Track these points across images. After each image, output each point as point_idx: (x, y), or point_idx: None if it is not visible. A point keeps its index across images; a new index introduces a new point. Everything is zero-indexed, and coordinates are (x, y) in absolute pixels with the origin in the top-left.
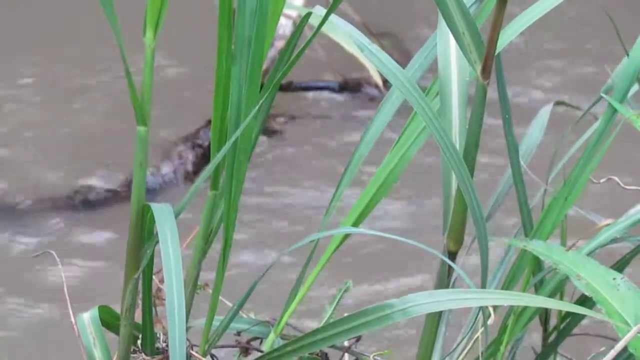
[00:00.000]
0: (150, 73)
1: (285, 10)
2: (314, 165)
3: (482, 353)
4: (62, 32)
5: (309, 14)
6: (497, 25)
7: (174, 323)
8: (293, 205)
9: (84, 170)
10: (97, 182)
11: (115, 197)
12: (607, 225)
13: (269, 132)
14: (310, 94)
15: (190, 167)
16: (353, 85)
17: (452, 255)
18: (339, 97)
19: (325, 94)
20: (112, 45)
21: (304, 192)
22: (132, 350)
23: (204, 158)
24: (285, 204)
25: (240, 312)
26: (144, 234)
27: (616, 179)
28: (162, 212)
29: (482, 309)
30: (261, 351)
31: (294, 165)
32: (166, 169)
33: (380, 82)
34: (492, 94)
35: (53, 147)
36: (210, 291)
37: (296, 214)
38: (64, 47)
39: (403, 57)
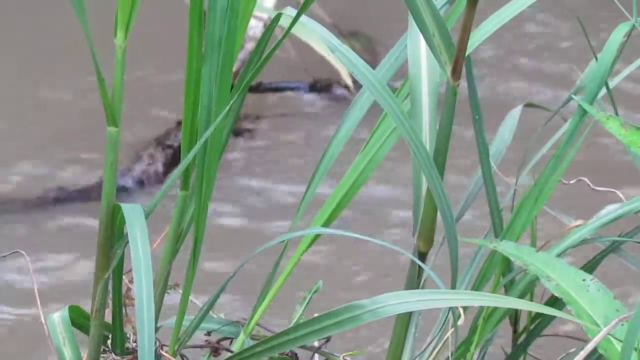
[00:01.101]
0: (121, 74)
1: (256, 12)
2: (285, 166)
3: (451, 353)
4: (34, 31)
5: (279, 15)
6: (467, 27)
7: (143, 323)
8: (265, 205)
9: (55, 169)
10: (69, 181)
11: (86, 196)
12: (578, 226)
13: (240, 132)
14: (281, 95)
15: (160, 168)
16: (323, 86)
17: (422, 256)
18: (309, 98)
19: (295, 94)
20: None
21: (276, 192)
22: (102, 350)
23: (174, 159)
24: (258, 203)
25: (210, 312)
26: (114, 234)
27: (586, 180)
28: (132, 212)
29: (452, 309)
30: (231, 351)
31: (265, 166)
32: (137, 169)
33: (350, 83)
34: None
35: (24, 145)
36: (181, 291)
37: (268, 213)
38: (34, 48)
39: (374, 58)
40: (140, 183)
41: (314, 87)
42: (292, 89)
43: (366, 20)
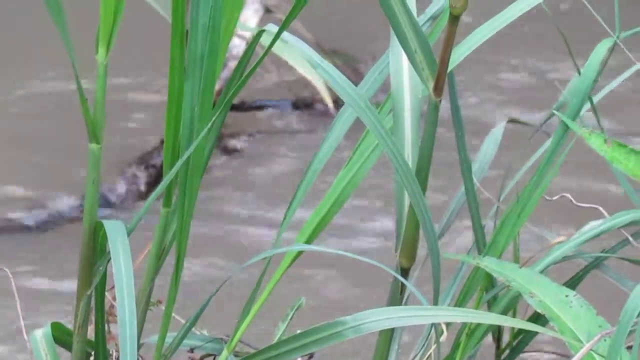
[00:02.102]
0: (103, 90)
1: (239, 31)
2: (268, 183)
3: None
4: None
5: (261, 33)
6: (449, 43)
7: (126, 339)
8: (253, 221)
9: (38, 188)
10: (53, 201)
11: (70, 215)
12: (560, 242)
13: (228, 150)
14: (263, 112)
15: (143, 187)
16: (306, 104)
17: (405, 272)
18: (291, 115)
19: (278, 112)
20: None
21: (262, 208)
22: None
23: (157, 178)
24: (245, 219)
25: (193, 328)
26: (96, 251)
27: (569, 196)
28: (114, 229)
29: (435, 325)
30: None
31: (249, 183)
32: (120, 188)
33: (330, 103)
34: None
35: (7, 163)
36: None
37: (256, 230)
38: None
39: (356, 76)
40: (123, 201)
41: (297, 105)
42: (275, 106)
43: (348, 38)
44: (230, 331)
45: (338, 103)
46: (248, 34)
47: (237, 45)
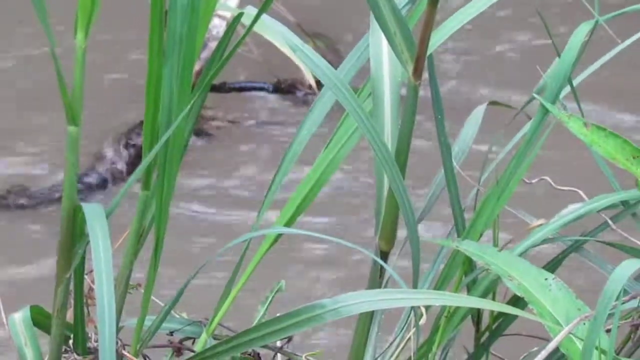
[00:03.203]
0: (81, 73)
1: (220, 12)
2: (249, 165)
3: (414, 353)
4: None
5: (240, 14)
6: (428, 26)
7: (104, 323)
8: (231, 205)
9: (17, 169)
10: (31, 181)
11: (49, 196)
12: (540, 225)
13: (204, 133)
14: (245, 95)
15: (123, 167)
16: (287, 86)
17: (384, 255)
18: (272, 98)
19: (259, 94)
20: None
21: (241, 191)
22: (63, 350)
23: (137, 158)
24: (221, 202)
25: (172, 311)
26: (75, 234)
27: (548, 179)
28: (93, 212)
29: (414, 309)
30: (193, 351)
31: (230, 166)
32: (99, 169)
33: (313, 83)
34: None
35: None
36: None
37: (233, 214)
38: None
39: (337, 58)
40: (104, 182)
41: (278, 87)
42: (256, 88)
43: (331, 20)
44: (209, 315)
45: (320, 84)
46: (229, 15)
47: (218, 26)
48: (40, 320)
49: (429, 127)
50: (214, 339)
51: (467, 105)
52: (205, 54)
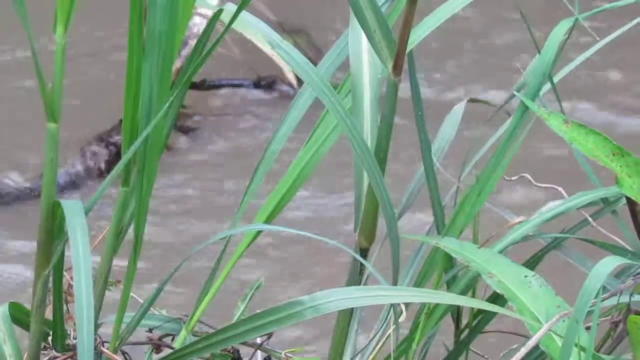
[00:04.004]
0: (61, 69)
1: (201, 9)
2: (229, 162)
3: (393, 350)
4: None
5: (220, 12)
6: (408, 23)
7: (83, 319)
8: (210, 202)
9: None
10: (9, 178)
11: (28, 193)
12: (520, 222)
13: (184, 130)
14: (225, 92)
15: (103, 166)
16: (267, 83)
17: (364, 252)
18: (253, 94)
19: (240, 91)
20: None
21: (220, 188)
22: (42, 346)
23: (117, 156)
24: (203, 199)
25: (152, 308)
26: (54, 231)
27: (528, 176)
28: (72, 209)
29: (394, 306)
30: (173, 348)
31: (210, 162)
32: (79, 167)
33: (294, 80)
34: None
35: None
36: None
37: (213, 210)
38: None
39: (317, 55)
40: (83, 180)
41: (258, 84)
42: (236, 85)
43: (311, 17)
44: (189, 311)
45: (301, 80)
46: (210, 12)
47: (198, 24)
48: (19, 316)
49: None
50: (194, 335)
51: (447, 103)
52: (185, 52)
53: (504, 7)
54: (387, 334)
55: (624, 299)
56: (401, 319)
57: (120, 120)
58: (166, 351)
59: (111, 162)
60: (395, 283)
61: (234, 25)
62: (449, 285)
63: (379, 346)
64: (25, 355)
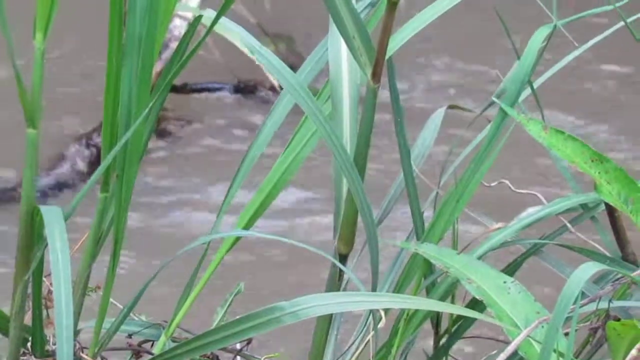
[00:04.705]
0: (40, 75)
1: (181, 12)
2: (209, 167)
3: (373, 356)
4: None
5: (200, 17)
6: (387, 29)
7: (62, 325)
8: (190, 207)
9: None
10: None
11: (9, 197)
12: (499, 228)
13: (165, 134)
14: (205, 96)
15: (84, 168)
16: (248, 87)
17: (343, 258)
18: (233, 99)
19: (220, 95)
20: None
21: (202, 192)
22: (22, 352)
23: (99, 159)
24: (182, 205)
25: (131, 314)
26: (34, 236)
27: (507, 182)
28: (52, 214)
29: (373, 312)
30: (152, 354)
31: (190, 167)
32: (60, 170)
33: (275, 84)
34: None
35: None
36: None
37: (193, 216)
38: None
39: (299, 60)
40: (64, 184)
41: (239, 89)
42: (217, 89)
43: (292, 22)
44: (168, 317)
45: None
46: (190, 15)
47: (179, 26)
48: None
49: None
50: (173, 341)
51: (426, 110)
52: (166, 55)
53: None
54: (367, 339)
55: (603, 305)
56: (380, 324)
57: (101, 123)
58: (146, 357)
59: (92, 165)
60: (374, 289)
61: (216, 29)
62: (429, 291)
63: (358, 352)
64: None
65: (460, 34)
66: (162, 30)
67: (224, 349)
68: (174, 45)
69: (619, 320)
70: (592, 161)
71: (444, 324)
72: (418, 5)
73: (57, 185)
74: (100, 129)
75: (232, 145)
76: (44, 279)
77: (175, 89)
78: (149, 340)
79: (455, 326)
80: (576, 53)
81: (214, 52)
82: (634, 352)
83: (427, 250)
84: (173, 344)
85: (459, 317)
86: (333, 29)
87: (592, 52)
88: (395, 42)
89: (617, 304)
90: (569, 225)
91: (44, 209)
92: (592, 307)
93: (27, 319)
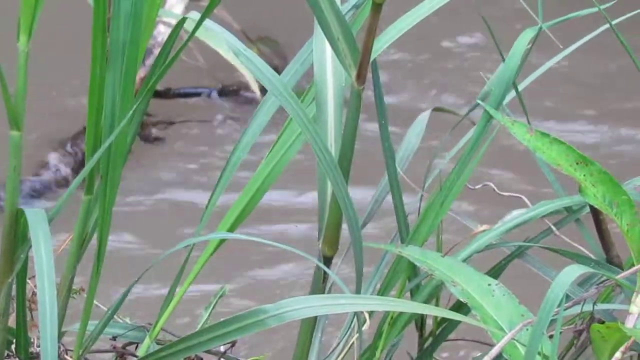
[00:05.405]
0: (24, 77)
1: (165, 18)
2: (193, 171)
3: (357, 358)
4: None
5: (184, 20)
6: (371, 31)
7: (46, 327)
8: (175, 210)
9: None
10: None
11: None
12: (483, 231)
13: (150, 139)
14: (189, 100)
15: (68, 173)
16: (231, 91)
17: (328, 260)
18: (217, 103)
19: (204, 99)
20: None
21: (185, 196)
22: (6, 354)
23: (82, 164)
24: (168, 208)
25: (116, 316)
26: (17, 239)
27: (492, 185)
28: (36, 217)
29: (357, 314)
30: (136, 356)
31: (175, 171)
32: (45, 173)
33: (256, 88)
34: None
35: None
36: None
37: (178, 219)
38: None
39: (283, 63)
40: (49, 187)
41: (223, 93)
42: (200, 94)
43: (276, 25)
44: (153, 319)
45: (264, 89)
46: (174, 21)
47: (163, 32)
48: None
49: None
50: (157, 343)
51: (412, 113)
52: (149, 61)
53: (469, 16)
54: (351, 342)
55: (587, 307)
56: (365, 327)
57: (84, 128)
58: (130, 359)
59: (76, 170)
60: (358, 291)
61: (199, 34)
62: (413, 294)
63: (342, 354)
64: None
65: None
66: (145, 37)
67: (208, 352)
68: (157, 51)
69: (603, 322)
70: (577, 164)
71: (429, 327)
72: (403, 7)
73: (40, 190)
74: (84, 134)
75: (215, 149)
76: (28, 281)
77: (158, 94)
78: (133, 343)
79: (440, 329)
80: (560, 56)
81: (199, 59)
82: (618, 354)
83: (412, 252)
84: (157, 347)
85: (444, 319)
86: (318, 31)
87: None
88: (380, 44)
89: (601, 306)
90: (553, 227)
91: (28, 211)
92: (576, 309)
93: (11, 321)
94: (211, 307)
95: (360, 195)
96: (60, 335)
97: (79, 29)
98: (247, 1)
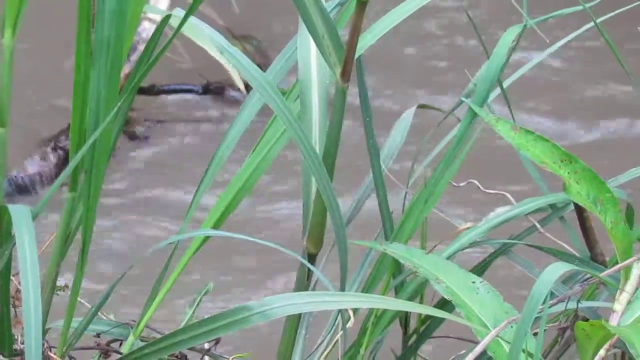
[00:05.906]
0: (9, 74)
1: (150, 15)
2: (179, 168)
3: (341, 356)
4: None
5: (168, 16)
6: (356, 28)
7: (30, 324)
8: (160, 207)
9: None
10: None
11: None
12: (468, 228)
13: (135, 136)
14: (174, 97)
15: (53, 170)
16: (216, 88)
17: (312, 258)
18: (202, 100)
19: (189, 97)
20: None
21: (170, 193)
22: None
23: (66, 161)
24: (153, 205)
25: (100, 313)
26: (1, 235)
27: (476, 182)
28: (20, 214)
29: (342, 311)
30: (120, 353)
31: (160, 168)
32: (29, 171)
33: (242, 86)
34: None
35: None
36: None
37: (163, 217)
38: None
39: (266, 61)
40: (33, 184)
41: (207, 90)
42: (185, 91)
43: (260, 23)
44: (137, 317)
45: (249, 87)
46: (159, 18)
47: (148, 29)
48: None
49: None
50: (142, 341)
51: (397, 109)
52: (134, 57)
53: (455, 13)
54: (335, 339)
55: (572, 305)
56: (349, 324)
57: (69, 125)
58: (114, 356)
59: (60, 167)
60: (343, 288)
61: (184, 31)
62: (397, 291)
63: (326, 352)
64: None
65: (426, 33)
66: (130, 33)
67: (192, 349)
68: (142, 47)
69: (587, 320)
70: (562, 161)
71: (413, 324)
72: (387, 4)
73: (25, 187)
74: (68, 132)
75: (200, 146)
76: (12, 278)
77: (143, 91)
78: (117, 340)
79: (424, 326)
80: (547, 52)
81: (184, 55)
82: (601, 352)
83: (396, 250)
84: (141, 344)
85: (428, 316)
86: (302, 28)
87: None
88: (365, 41)
89: (585, 304)
90: (538, 225)
91: (11, 207)
92: (561, 307)
93: None
94: (195, 304)
95: (347, 204)
96: (45, 332)
97: (64, 24)
98: None
